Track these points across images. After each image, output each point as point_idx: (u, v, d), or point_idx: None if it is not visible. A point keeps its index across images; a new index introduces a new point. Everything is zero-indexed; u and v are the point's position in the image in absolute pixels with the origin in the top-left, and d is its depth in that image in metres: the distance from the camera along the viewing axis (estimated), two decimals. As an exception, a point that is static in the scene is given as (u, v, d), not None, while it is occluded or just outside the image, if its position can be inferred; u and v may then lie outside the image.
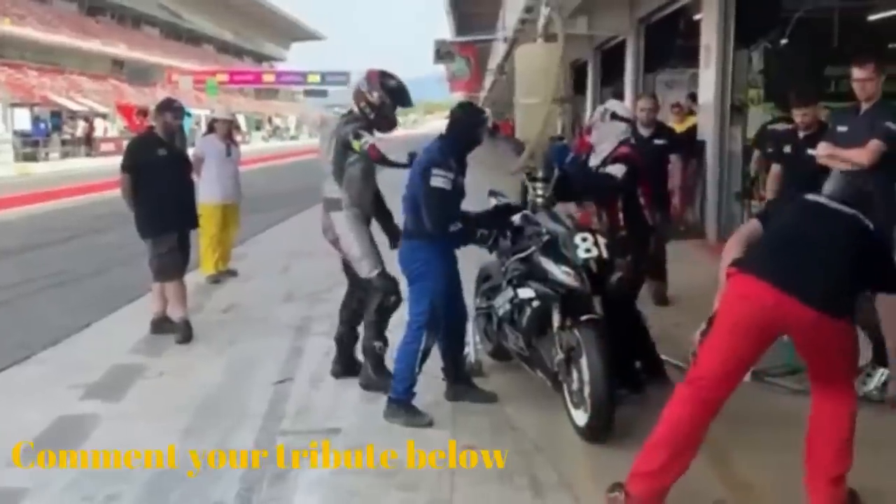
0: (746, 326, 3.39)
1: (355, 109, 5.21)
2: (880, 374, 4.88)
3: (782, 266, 3.38)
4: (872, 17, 13.31)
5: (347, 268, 5.42)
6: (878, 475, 3.95)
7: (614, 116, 5.34)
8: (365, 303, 5.32)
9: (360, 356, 5.46)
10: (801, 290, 3.31)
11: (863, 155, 5.20)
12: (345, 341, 5.54)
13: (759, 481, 3.80)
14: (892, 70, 5.43)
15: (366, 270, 5.17)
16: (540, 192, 5.18)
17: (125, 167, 6.70)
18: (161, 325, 6.73)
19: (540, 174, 5.34)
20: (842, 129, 5.53)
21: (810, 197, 3.69)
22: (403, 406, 4.74)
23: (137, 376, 5.71)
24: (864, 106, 5.41)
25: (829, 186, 4.65)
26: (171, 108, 6.80)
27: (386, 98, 5.15)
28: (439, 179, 4.62)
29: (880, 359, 4.92)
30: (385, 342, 5.22)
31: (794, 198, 3.82)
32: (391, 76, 5.25)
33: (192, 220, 7.07)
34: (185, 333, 6.55)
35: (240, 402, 5.19)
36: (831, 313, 3.32)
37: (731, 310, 3.43)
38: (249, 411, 4.99)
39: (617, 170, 5.11)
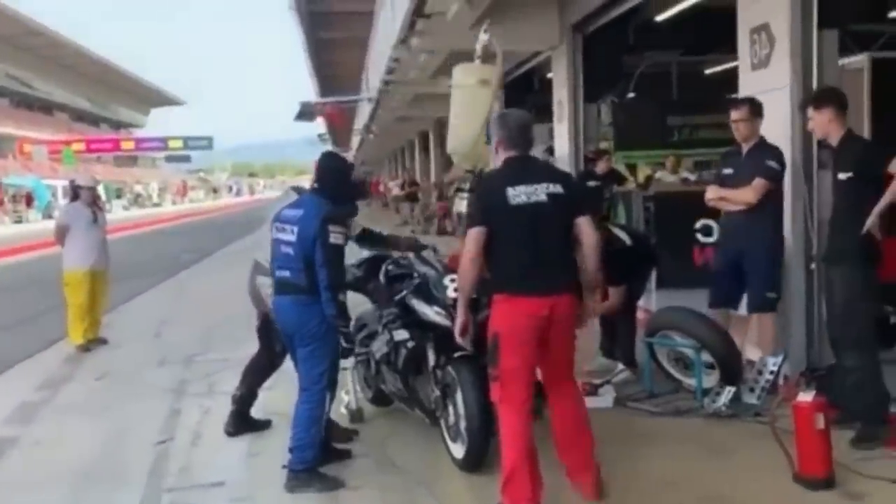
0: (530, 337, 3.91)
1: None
2: (727, 392, 5.36)
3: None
4: (708, 71, 14.48)
5: (261, 332, 5.44)
6: (727, 482, 4.34)
7: None
8: (276, 367, 5.47)
9: (254, 415, 5.55)
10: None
11: (749, 194, 5.53)
12: (243, 402, 5.50)
13: (635, 487, 4.12)
14: (725, 118, 5.87)
15: None
16: (466, 202, 5.39)
17: None
18: None
19: (467, 185, 5.60)
20: (727, 171, 5.84)
21: None
22: (314, 475, 4.50)
23: (11, 447, 5.57)
24: (745, 147, 5.73)
25: None
26: None
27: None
28: (338, 236, 4.43)
29: (727, 378, 5.41)
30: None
31: None
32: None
33: None
34: None
35: (121, 465, 5.15)
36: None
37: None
38: (132, 473, 4.96)
39: None
